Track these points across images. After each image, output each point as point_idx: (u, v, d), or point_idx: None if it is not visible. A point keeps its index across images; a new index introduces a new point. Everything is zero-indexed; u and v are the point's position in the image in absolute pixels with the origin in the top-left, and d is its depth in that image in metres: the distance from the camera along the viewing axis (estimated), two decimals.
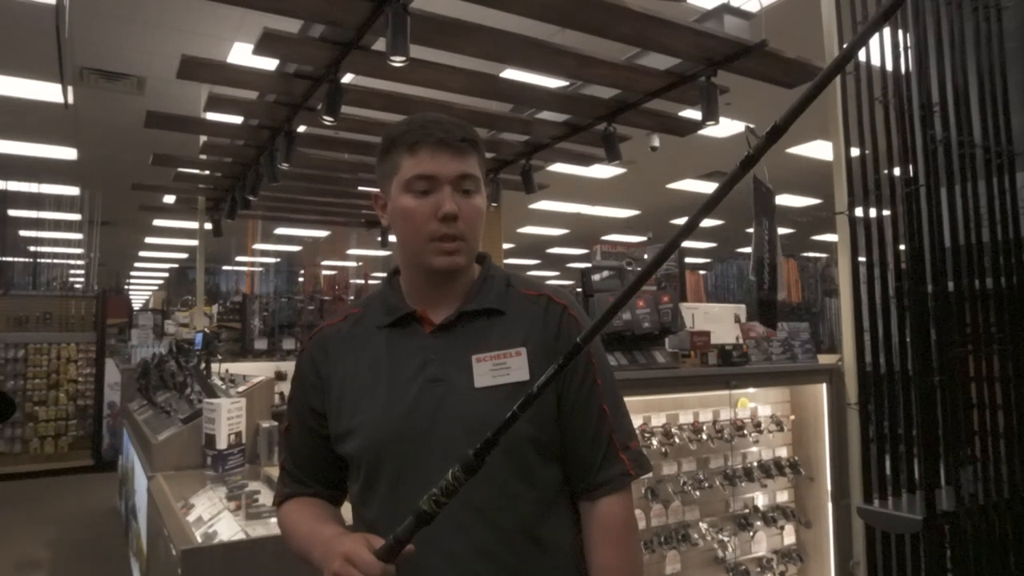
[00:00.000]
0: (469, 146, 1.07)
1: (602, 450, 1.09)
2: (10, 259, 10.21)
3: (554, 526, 1.08)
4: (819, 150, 7.84)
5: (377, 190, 1.15)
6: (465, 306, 1.11)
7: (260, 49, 2.98)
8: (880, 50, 1.63)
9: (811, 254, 11.27)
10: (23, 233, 10.33)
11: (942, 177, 1.59)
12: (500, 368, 1.06)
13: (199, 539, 2.10)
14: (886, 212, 1.73)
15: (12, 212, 9.76)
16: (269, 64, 3.49)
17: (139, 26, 4.87)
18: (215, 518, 2.35)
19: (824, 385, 2.90)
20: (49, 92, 5.79)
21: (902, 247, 1.57)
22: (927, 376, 1.46)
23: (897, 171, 1.57)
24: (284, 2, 2.59)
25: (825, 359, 3.08)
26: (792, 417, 3.00)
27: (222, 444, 2.83)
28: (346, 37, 2.94)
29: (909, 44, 1.60)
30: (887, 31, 1.65)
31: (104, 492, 6.21)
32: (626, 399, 1.15)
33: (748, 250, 14.23)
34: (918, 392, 1.48)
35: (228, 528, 2.23)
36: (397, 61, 2.53)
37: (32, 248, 10.31)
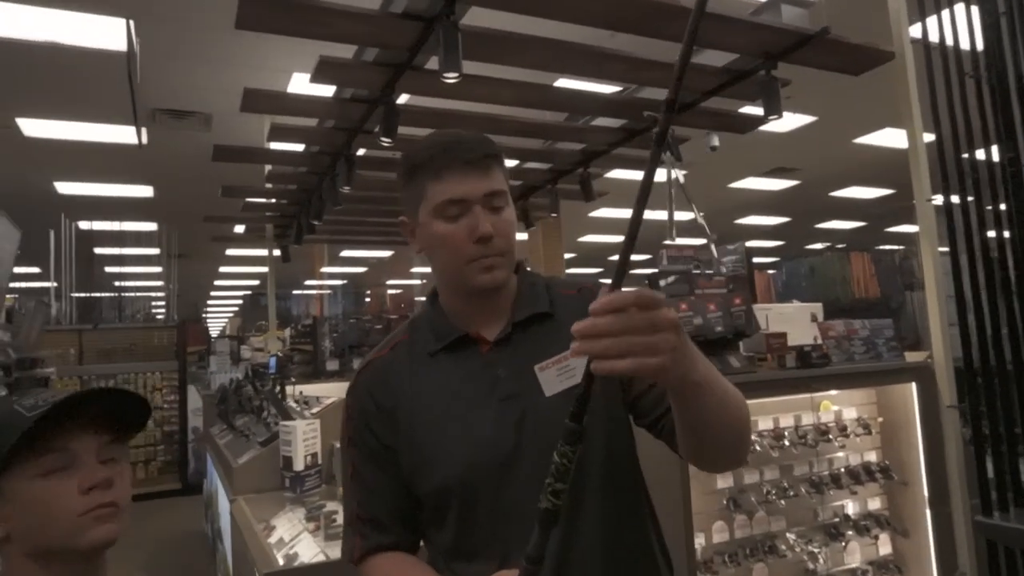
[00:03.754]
0: (493, 161, 1.06)
1: None
2: (98, 295, 10.78)
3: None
4: (889, 138, 7.51)
5: (403, 217, 1.13)
6: (516, 316, 1.10)
7: (317, 76, 3.05)
8: (968, 25, 1.53)
9: (886, 247, 10.80)
10: (108, 269, 10.90)
11: None
12: (565, 371, 1.03)
13: (281, 561, 2.13)
14: (971, 197, 1.61)
15: (98, 250, 10.33)
16: (327, 91, 3.57)
17: (203, 65, 5.08)
18: (295, 539, 2.38)
19: (913, 384, 2.74)
20: (124, 135, 6.10)
21: (1006, 234, 1.45)
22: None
23: (990, 153, 1.46)
24: (335, 29, 2.64)
25: (913, 356, 2.91)
26: (880, 419, 2.85)
27: (299, 466, 2.88)
28: (399, 59, 2.97)
29: (1002, 11, 1.49)
30: (974, 6, 1.54)
31: (191, 515, 6.44)
32: None
33: (818, 247, 13.76)
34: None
35: (308, 549, 2.25)
36: (450, 78, 2.54)
37: (116, 283, 10.86)
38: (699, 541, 2.34)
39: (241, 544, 2.47)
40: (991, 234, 1.59)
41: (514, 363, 1.06)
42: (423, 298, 1.26)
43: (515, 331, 1.09)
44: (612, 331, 0.74)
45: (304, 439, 2.90)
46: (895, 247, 10.19)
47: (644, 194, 0.79)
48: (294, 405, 3.81)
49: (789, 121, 6.87)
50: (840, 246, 12.62)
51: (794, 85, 3.69)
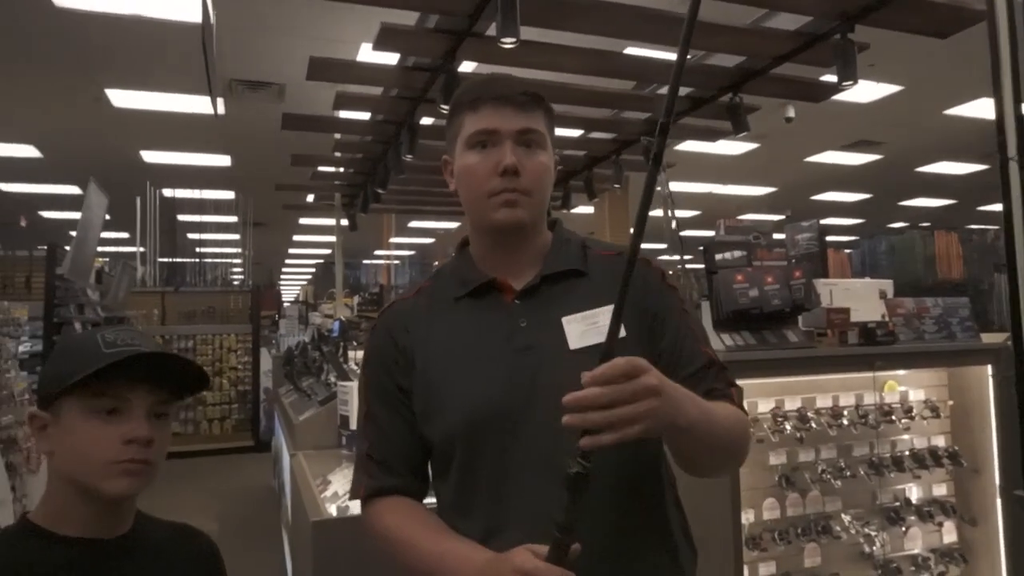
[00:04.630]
0: (532, 101, 1.04)
1: (702, 365, 1.06)
2: (180, 260, 11.34)
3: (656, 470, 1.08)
4: (983, 109, 7.03)
5: (445, 156, 1.12)
6: (547, 269, 1.06)
7: (379, 44, 3.08)
8: None
9: (977, 226, 10.17)
10: (190, 235, 11.43)
11: None
12: (593, 327, 1.00)
13: (333, 512, 2.21)
14: None
15: (180, 217, 10.83)
16: (391, 59, 3.61)
17: (276, 36, 5.20)
18: (348, 493, 2.46)
19: (989, 367, 2.59)
20: (203, 105, 6.33)
21: None
22: None
23: None
24: None
25: (991, 338, 2.74)
26: (950, 402, 2.71)
27: (355, 424, 2.97)
28: (460, 25, 2.96)
29: None
30: None
31: (262, 470, 6.76)
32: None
33: (899, 224, 13.12)
34: None
35: (359, 504, 2.33)
36: (508, 43, 2.52)
37: (198, 249, 11.38)
38: (747, 517, 2.29)
39: (298, 496, 2.58)
40: None
41: (538, 315, 1.04)
42: None
43: (543, 284, 1.06)
44: (599, 403, 0.79)
45: None
46: (988, 227, 9.59)
47: (644, 211, 0.84)
48: (355, 368, 3.93)
49: (872, 91, 6.52)
50: (924, 224, 11.96)
51: (878, 52, 3.49)
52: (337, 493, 2.49)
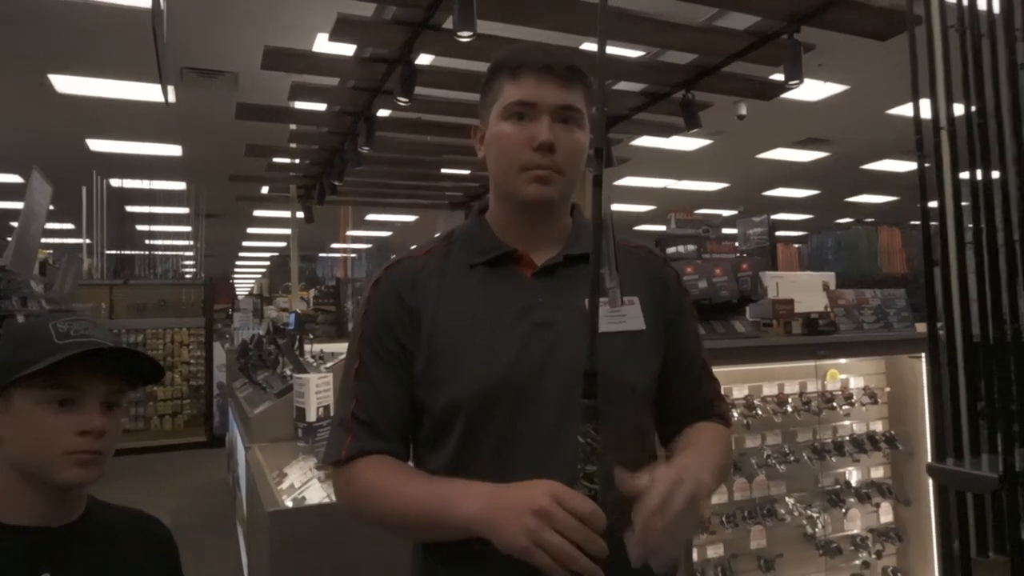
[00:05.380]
0: (575, 77, 1.00)
1: (701, 400, 1.12)
2: (129, 252, 11.03)
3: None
4: (925, 110, 7.30)
5: (476, 124, 1.09)
6: (569, 249, 1.04)
7: (336, 35, 3.06)
8: None
9: (918, 222, 10.56)
10: (139, 227, 11.13)
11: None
12: (615, 315, 1.00)
13: (289, 504, 2.21)
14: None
15: (129, 208, 10.54)
16: (348, 50, 3.58)
17: (230, 24, 5.11)
18: (304, 485, 2.46)
19: (923, 355, 2.72)
20: (153, 93, 6.18)
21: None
22: (999, 334, 1.36)
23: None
24: None
25: (924, 328, 2.88)
26: (888, 389, 2.84)
27: (311, 417, 2.96)
28: (417, 17, 2.97)
29: None
30: None
31: (216, 465, 6.65)
32: None
33: (847, 220, 13.48)
34: (990, 351, 1.39)
35: (316, 494, 2.33)
36: (464, 36, 2.54)
37: (147, 241, 11.08)
38: None
39: (254, 488, 2.57)
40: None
41: (556, 293, 1.01)
42: None
43: (564, 263, 1.03)
44: (664, 528, 0.79)
45: (317, 391, 2.98)
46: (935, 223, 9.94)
47: (597, 233, 0.88)
48: (311, 361, 3.91)
49: (820, 90, 6.73)
50: (869, 220, 12.38)
51: (826, 53, 3.60)
52: (293, 485, 2.49)
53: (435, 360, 0.99)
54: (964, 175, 1.59)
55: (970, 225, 1.51)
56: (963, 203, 1.55)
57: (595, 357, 0.83)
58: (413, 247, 1.11)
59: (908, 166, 10.14)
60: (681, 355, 1.09)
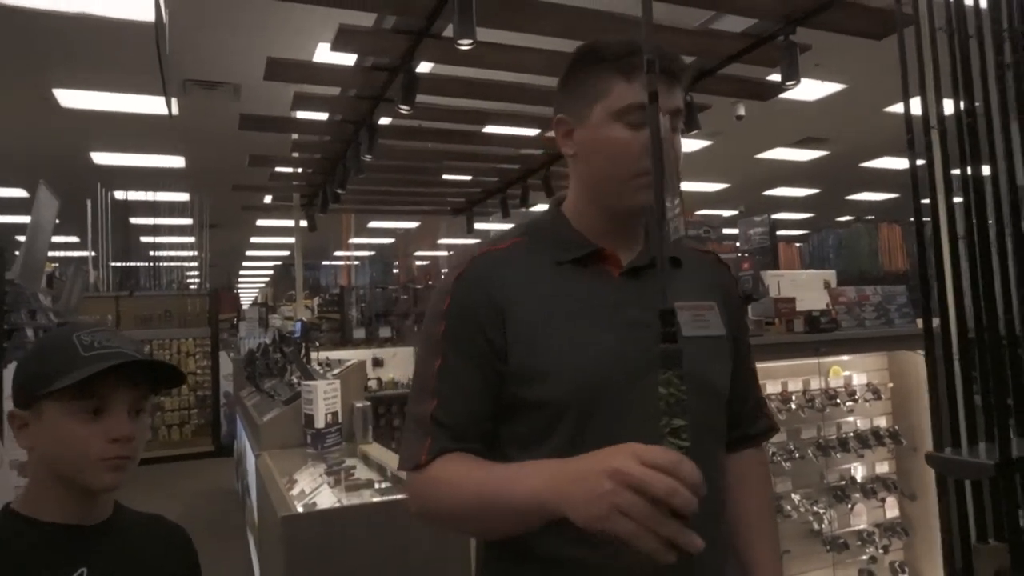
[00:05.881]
0: (684, 77, 0.98)
1: (752, 406, 1.16)
2: (134, 264, 11.08)
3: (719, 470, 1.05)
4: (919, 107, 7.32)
5: (561, 115, 1.02)
6: (654, 251, 0.96)
7: (337, 45, 3.11)
8: None
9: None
10: (144, 239, 11.19)
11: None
12: (699, 320, 0.99)
13: (300, 509, 2.24)
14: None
15: (133, 220, 10.59)
16: (349, 59, 3.63)
17: (232, 35, 5.16)
18: (315, 491, 2.50)
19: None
20: (156, 105, 6.23)
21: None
22: (993, 326, 1.40)
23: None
24: None
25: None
26: (891, 385, 2.86)
27: (320, 423, 3.00)
28: (418, 25, 3.01)
29: None
30: None
31: (224, 474, 6.69)
32: None
33: (847, 218, 13.53)
34: (985, 345, 1.43)
35: (327, 499, 2.37)
36: (465, 44, 2.57)
37: (152, 252, 11.14)
38: None
39: (264, 494, 2.60)
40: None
41: (645, 295, 0.95)
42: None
43: (649, 265, 1.00)
44: None
45: (325, 398, 3.01)
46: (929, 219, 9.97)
47: (657, 154, 0.84)
48: (318, 368, 3.94)
49: (818, 89, 6.75)
50: (869, 217, 12.39)
51: (823, 52, 3.63)
52: (304, 491, 2.52)
53: (532, 356, 0.94)
54: (957, 171, 1.62)
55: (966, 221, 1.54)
56: (955, 199, 1.58)
57: (666, 295, 0.76)
58: (492, 240, 1.05)
59: (906, 163, 10.16)
60: (742, 363, 1.11)
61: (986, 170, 1.51)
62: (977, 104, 1.53)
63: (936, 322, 1.64)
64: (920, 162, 1.71)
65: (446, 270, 1.03)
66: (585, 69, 0.98)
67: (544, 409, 0.93)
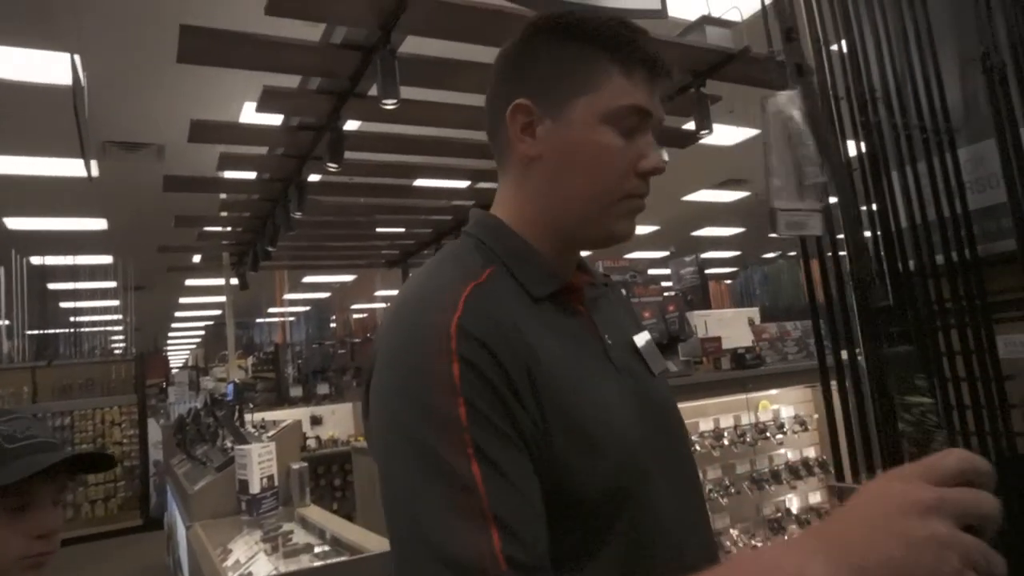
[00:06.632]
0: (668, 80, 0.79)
1: None
2: (53, 331, 10.57)
3: None
4: None
5: (522, 100, 0.77)
6: (595, 278, 0.88)
7: (263, 106, 3.12)
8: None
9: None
10: (63, 304, 10.70)
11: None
12: (652, 352, 0.85)
13: None
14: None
15: (52, 285, 10.14)
16: (275, 119, 3.63)
17: (153, 97, 5.10)
18: (251, 560, 2.40)
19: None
20: (75, 168, 6.06)
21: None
22: (877, 353, 1.51)
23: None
24: (277, 61, 2.72)
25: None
26: (816, 416, 2.98)
27: (255, 488, 2.90)
28: (342, 87, 3.05)
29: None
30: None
31: (153, 549, 6.33)
32: None
33: (772, 255, 14.09)
34: (873, 370, 1.54)
35: (263, 568, 2.28)
36: (389, 104, 2.63)
37: (72, 318, 10.66)
38: None
39: (197, 568, 2.49)
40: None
41: (611, 330, 0.82)
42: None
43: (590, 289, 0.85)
44: None
45: (259, 462, 2.92)
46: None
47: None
48: (252, 431, 3.82)
49: (734, 134, 7.11)
50: (791, 253, 12.97)
51: (736, 100, 3.85)
52: (239, 560, 2.42)
53: (578, 430, 0.68)
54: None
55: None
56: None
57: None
58: (462, 271, 0.75)
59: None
60: None
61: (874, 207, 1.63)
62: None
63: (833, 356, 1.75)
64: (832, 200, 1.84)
65: (401, 322, 0.71)
66: (565, 47, 0.75)
67: (603, 499, 0.68)
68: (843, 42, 1.80)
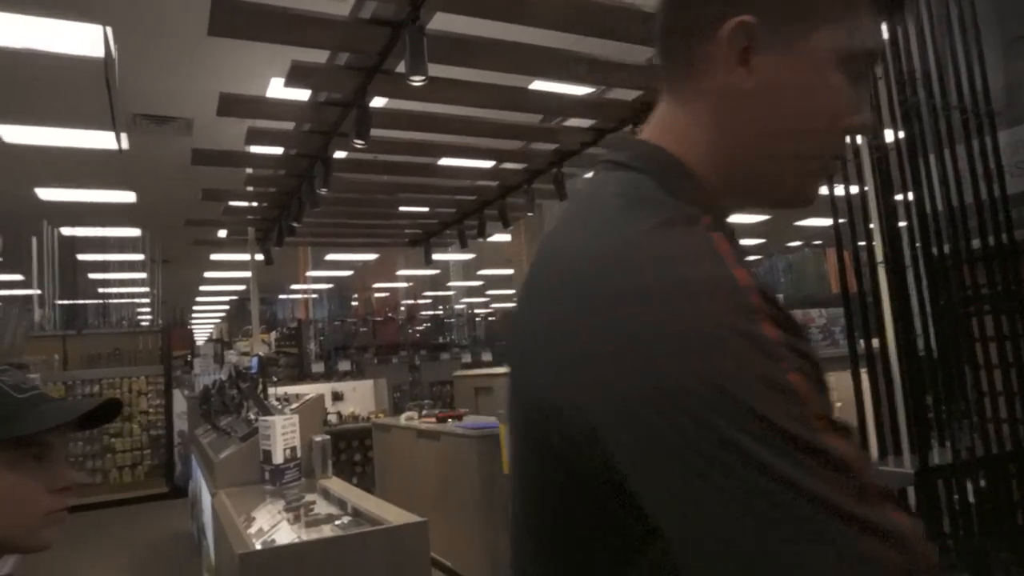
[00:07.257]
0: None
1: None
2: (82, 301, 10.79)
3: None
4: None
5: (748, 18, 0.59)
6: None
7: (291, 81, 3.14)
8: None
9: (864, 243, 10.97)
10: (92, 275, 10.91)
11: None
12: None
13: (258, 546, 2.21)
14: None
15: (81, 257, 10.33)
16: (303, 95, 3.65)
17: (183, 70, 5.14)
18: (274, 528, 2.46)
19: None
20: (105, 140, 6.14)
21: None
22: (910, 338, 1.49)
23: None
24: (306, 36, 2.73)
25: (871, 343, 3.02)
26: (839, 404, 2.96)
27: (278, 459, 2.96)
28: (370, 63, 3.06)
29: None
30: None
31: (178, 516, 6.49)
32: None
33: (797, 244, 13.95)
34: (904, 354, 1.52)
35: (286, 536, 2.33)
36: (416, 81, 2.63)
37: (101, 289, 10.86)
38: None
39: (221, 533, 2.55)
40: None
41: None
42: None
43: None
44: None
45: (283, 433, 2.98)
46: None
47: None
48: (275, 403, 3.89)
49: None
50: (816, 243, 12.81)
51: None
52: (263, 528, 2.48)
53: None
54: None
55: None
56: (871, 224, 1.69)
57: None
58: (687, 223, 0.56)
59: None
60: None
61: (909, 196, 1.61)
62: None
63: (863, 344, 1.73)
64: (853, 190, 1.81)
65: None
66: None
67: None
68: (884, 24, 1.77)
